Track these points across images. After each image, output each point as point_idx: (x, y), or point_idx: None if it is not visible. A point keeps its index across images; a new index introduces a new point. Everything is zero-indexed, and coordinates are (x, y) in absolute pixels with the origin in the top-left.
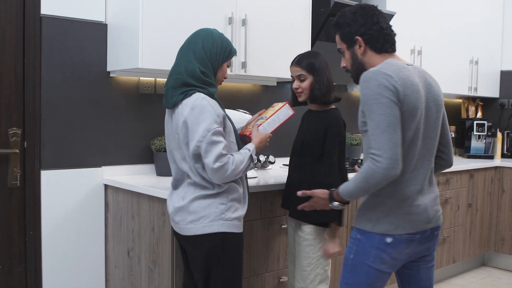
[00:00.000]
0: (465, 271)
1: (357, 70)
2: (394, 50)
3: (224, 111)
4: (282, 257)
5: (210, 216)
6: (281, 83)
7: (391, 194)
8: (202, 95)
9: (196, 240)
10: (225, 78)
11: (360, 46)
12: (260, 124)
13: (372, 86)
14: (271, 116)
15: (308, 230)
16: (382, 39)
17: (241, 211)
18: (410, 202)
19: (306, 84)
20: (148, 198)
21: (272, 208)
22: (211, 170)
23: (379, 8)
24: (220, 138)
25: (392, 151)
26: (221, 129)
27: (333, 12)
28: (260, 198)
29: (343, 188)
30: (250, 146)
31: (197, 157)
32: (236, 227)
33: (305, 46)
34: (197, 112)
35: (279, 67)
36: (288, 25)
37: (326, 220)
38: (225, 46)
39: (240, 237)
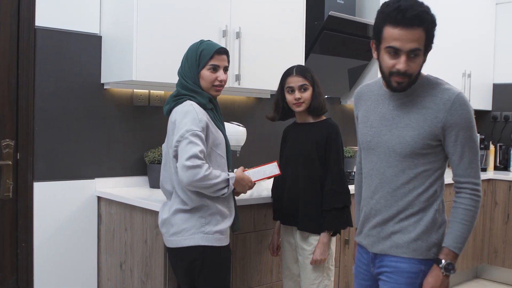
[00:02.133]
0: (459, 284)
1: (416, 78)
2: None
3: (221, 123)
4: (275, 269)
5: (191, 229)
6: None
7: (444, 217)
8: (190, 102)
9: (178, 252)
10: (216, 84)
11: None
12: (246, 170)
13: (472, 112)
14: (257, 167)
15: (316, 242)
16: None
17: (224, 224)
18: None
19: (308, 94)
20: (141, 210)
21: (265, 221)
22: (181, 166)
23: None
24: (198, 141)
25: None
26: (201, 133)
27: (327, 26)
28: (253, 210)
29: (454, 242)
30: (231, 174)
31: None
32: (218, 241)
33: (299, 59)
34: (181, 116)
35: (273, 80)
36: (282, 38)
37: (339, 228)
38: (194, 54)
39: (223, 250)
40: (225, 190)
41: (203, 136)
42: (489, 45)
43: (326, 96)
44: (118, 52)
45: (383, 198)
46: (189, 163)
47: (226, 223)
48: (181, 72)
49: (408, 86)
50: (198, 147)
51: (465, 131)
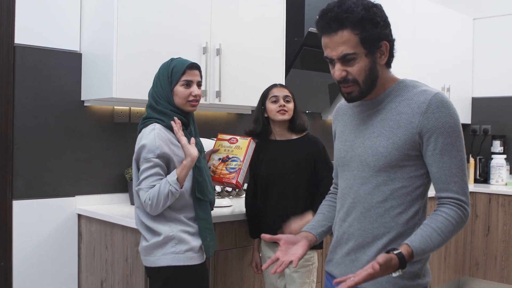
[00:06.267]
0: None
1: (369, 84)
2: None
3: (194, 140)
4: (257, 286)
5: (161, 250)
6: None
7: None
8: (154, 125)
9: (151, 271)
10: (190, 99)
11: (381, 55)
12: (240, 169)
13: (455, 115)
14: (244, 157)
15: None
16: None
17: (195, 242)
18: None
19: (291, 106)
20: (122, 228)
21: (247, 237)
22: (135, 191)
23: None
24: (152, 168)
25: (469, 197)
26: (157, 160)
27: (307, 42)
28: (234, 227)
29: (421, 246)
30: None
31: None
32: (190, 259)
33: (279, 75)
34: (140, 139)
35: (253, 96)
36: (262, 55)
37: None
38: (166, 71)
39: (196, 269)
40: (171, 189)
41: (159, 162)
42: (467, 59)
43: (307, 111)
44: (98, 69)
45: (357, 220)
46: (137, 187)
47: (197, 240)
48: (152, 93)
49: (362, 94)
50: (149, 172)
51: (444, 137)
